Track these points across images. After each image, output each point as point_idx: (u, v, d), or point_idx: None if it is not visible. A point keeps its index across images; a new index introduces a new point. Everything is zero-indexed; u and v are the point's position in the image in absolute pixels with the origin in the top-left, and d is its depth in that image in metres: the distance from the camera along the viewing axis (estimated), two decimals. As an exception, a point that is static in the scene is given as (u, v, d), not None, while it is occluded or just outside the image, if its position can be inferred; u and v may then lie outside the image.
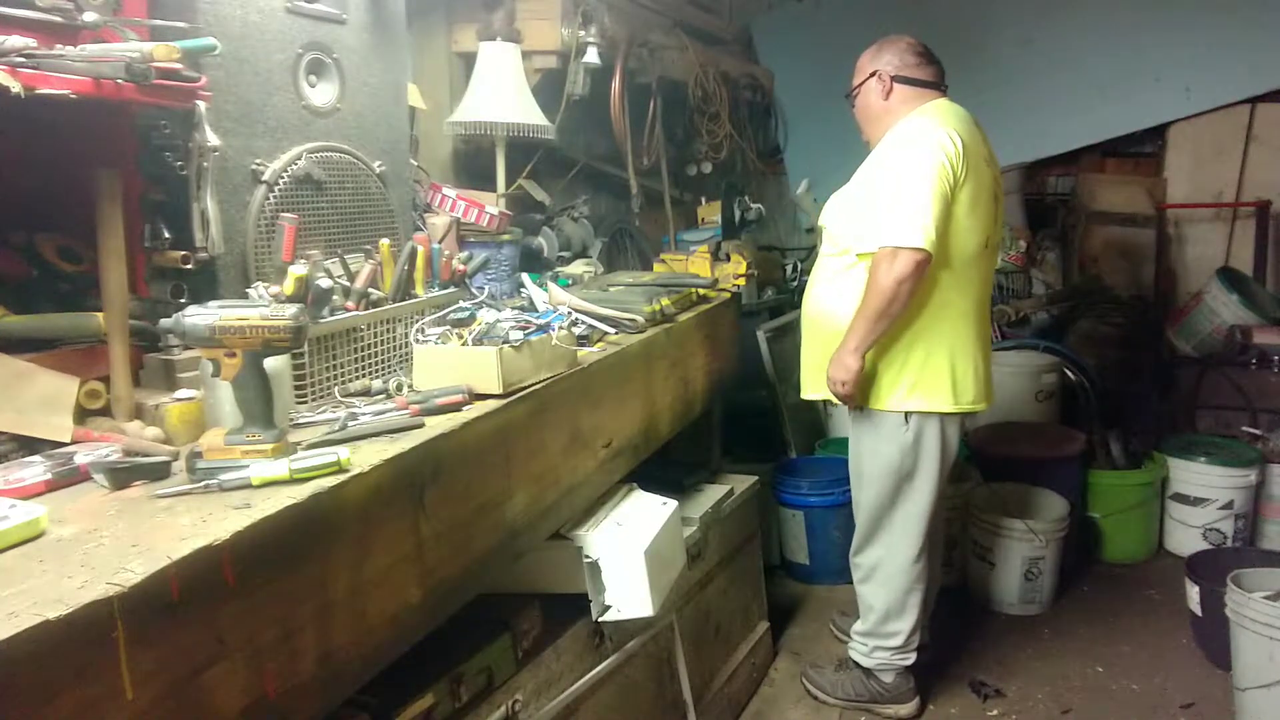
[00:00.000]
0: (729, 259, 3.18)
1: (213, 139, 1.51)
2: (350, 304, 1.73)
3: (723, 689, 2.53)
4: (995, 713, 2.68)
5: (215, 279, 1.63)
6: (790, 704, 2.71)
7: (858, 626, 2.67)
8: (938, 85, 2.51)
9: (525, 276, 2.43)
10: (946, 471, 2.53)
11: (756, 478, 2.92)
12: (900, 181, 2.28)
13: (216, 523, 1.09)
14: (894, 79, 2.48)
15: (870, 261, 2.31)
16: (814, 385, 2.58)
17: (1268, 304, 4.28)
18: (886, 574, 2.57)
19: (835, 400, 2.46)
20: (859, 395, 2.42)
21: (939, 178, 2.26)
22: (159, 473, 1.26)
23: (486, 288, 2.26)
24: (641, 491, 2.23)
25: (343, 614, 1.24)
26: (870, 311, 2.28)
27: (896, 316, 2.30)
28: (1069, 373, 4.01)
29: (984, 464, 3.50)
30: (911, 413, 2.42)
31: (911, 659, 2.61)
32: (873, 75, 2.51)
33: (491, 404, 1.61)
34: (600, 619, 1.96)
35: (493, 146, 2.75)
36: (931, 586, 2.67)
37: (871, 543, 2.60)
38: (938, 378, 2.40)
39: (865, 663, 2.65)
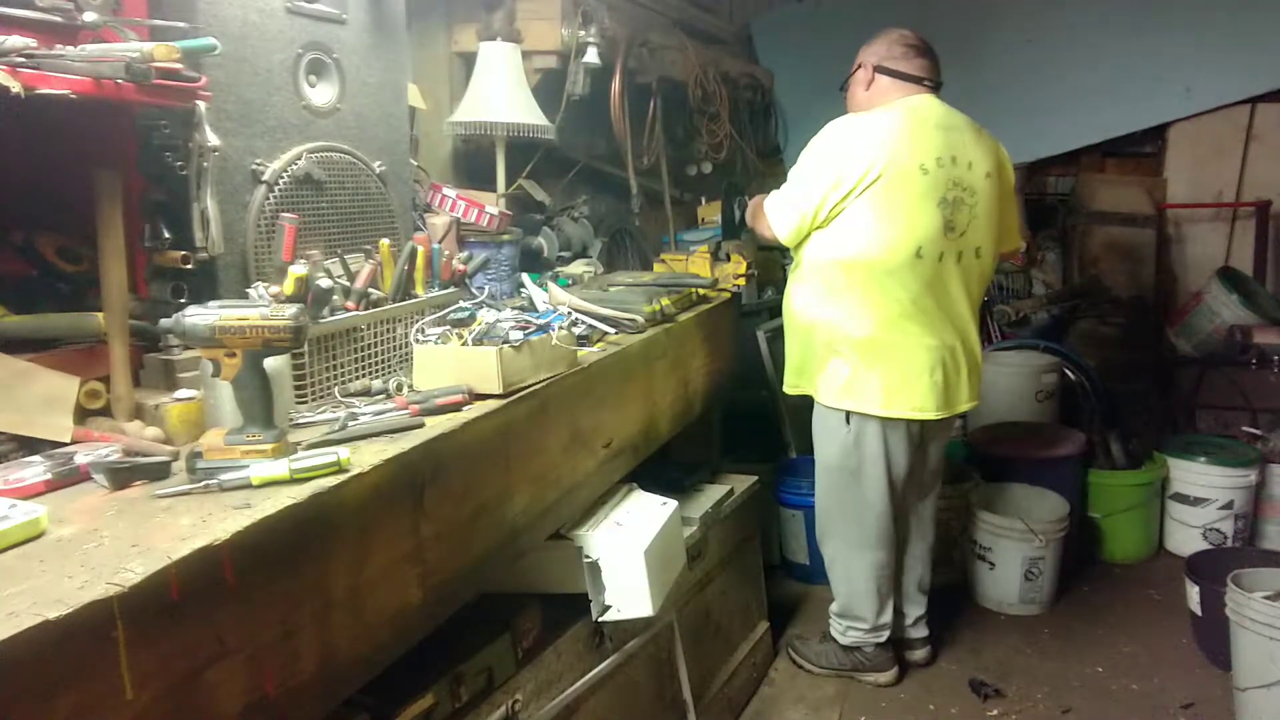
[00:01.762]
0: (729, 259, 3.17)
1: (213, 139, 1.51)
2: (350, 304, 1.73)
3: (723, 689, 2.53)
4: (995, 713, 2.67)
5: (215, 279, 1.63)
6: (790, 704, 2.71)
7: (832, 607, 2.79)
8: (922, 80, 2.44)
9: (525, 276, 2.43)
10: (897, 475, 2.57)
11: (756, 478, 2.91)
12: (795, 171, 2.44)
13: (216, 523, 1.09)
14: (876, 69, 2.47)
15: (814, 256, 2.46)
16: (793, 382, 2.69)
17: (1268, 304, 4.28)
18: (842, 567, 2.70)
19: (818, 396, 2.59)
20: (808, 385, 2.59)
21: (824, 179, 2.35)
22: (159, 473, 1.26)
23: (486, 288, 2.25)
24: (641, 491, 2.23)
25: (343, 614, 1.24)
26: (754, 220, 2.59)
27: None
28: (1069, 373, 4.01)
29: (984, 464, 3.50)
30: (852, 414, 2.50)
31: (885, 636, 2.72)
32: (859, 66, 2.52)
33: (491, 404, 1.61)
34: (600, 619, 1.96)
35: (493, 146, 2.75)
36: (912, 577, 2.79)
37: (828, 535, 2.72)
38: (867, 381, 2.45)
39: (843, 641, 2.75)
